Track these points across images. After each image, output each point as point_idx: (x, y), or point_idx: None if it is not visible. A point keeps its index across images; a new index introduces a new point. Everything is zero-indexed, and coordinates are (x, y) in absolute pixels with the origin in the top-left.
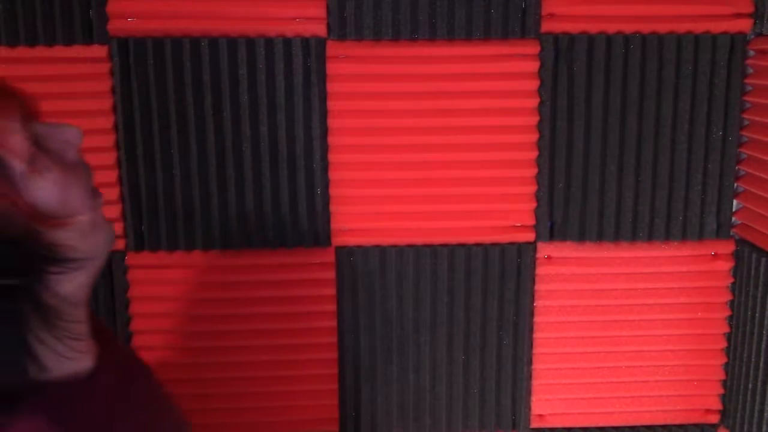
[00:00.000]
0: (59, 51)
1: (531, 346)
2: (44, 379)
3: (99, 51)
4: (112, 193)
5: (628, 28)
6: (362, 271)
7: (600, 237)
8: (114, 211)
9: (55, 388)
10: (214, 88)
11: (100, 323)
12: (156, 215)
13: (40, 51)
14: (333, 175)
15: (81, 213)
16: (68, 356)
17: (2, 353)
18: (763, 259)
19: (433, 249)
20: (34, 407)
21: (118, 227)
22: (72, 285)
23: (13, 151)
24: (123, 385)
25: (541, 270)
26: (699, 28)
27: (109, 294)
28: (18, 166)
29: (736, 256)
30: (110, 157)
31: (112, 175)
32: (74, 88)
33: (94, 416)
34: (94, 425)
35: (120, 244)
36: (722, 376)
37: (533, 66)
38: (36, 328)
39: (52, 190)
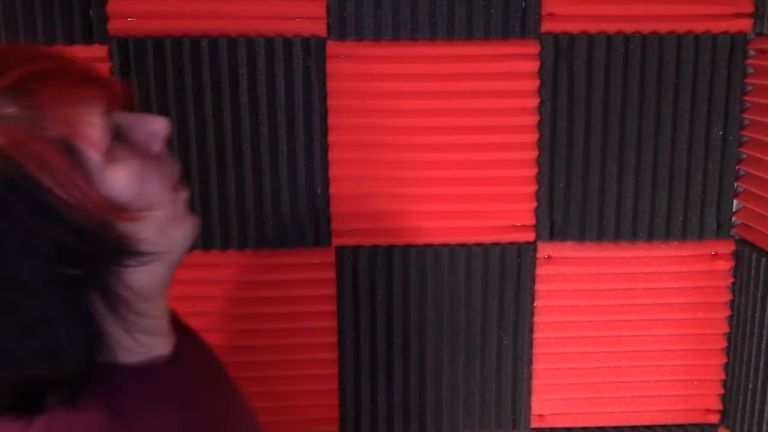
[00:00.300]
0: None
1: (531, 345)
2: (112, 369)
3: (99, 51)
4: None
5: (628, 28)
6: (362, 271)
7: (600, 237)
8: None
9: (123, 379)
10: (214, 88)
11: (180, 319)
12: None
13: None
14: (333, 174)
15: (159, 206)
16: (136, 349)
17: (66, 340)
18: (763, 259)
19: (433, 249)
20: (95, 396)
21: None
22: (145, 278)
23: (90, 141)
24: (198, 382)
25: (541, 270)
26: (699, 28)
27: None
28: (94, 156)
29: (736, 256)
30: None
31: None
32: None
33: (157, 409)
34: (157, 418)
35: None
36: (722, 376)
37: (533, 66)
38: (105, 318)
39: (128, 182)
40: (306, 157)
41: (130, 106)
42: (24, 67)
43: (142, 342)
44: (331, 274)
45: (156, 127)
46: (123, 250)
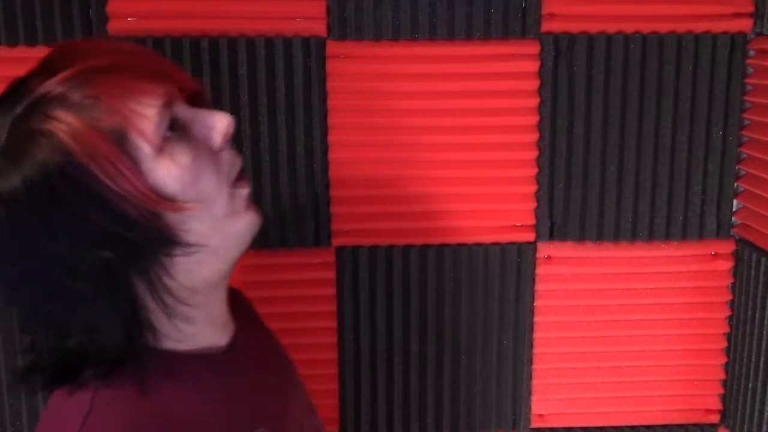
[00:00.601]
0: None
1: (531, 345)
2: (156, 353)
3: None
4: None
5: (628, 28)
6: (362, 271)
7: (600, 237)
8: None
9: (163, 363)
10: (213, 87)
11: (251, 311)
12: None
13: (40, 51)
14: (333, 175)
15: (213, 200)
16: (180, 337)
17: (105, 319)
18: (763, 259)
19: (433, 249)
20: (133, 375)
21: None
22: (198, 270)
23: (142, 132)
24: (250, 375)
25: (541, 270)
26: (699, 28)
27: None
28: (145, 147)
29: (736, 256)
30: None
31: None
32: None
33: (192, 397)
34: (190, 405)
35: None
36: (722, 376)
37: (533, 66)
38: (149, 304)
39: (177, 174)
40: (306, 157)
41: (198, 101)
42: (93, 59)
43: (188, 331)
44: (331, 274)
45: (216, 123)
46: (168, 240)
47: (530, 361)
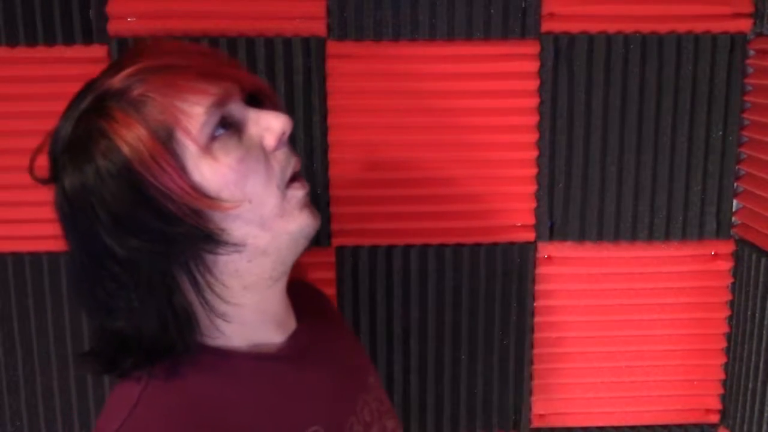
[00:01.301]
0: (59, 51)
1: (531, 346)
2: (201, 348)
3: (98, 51)
4: None
5: (628, 28)
6: (362, 271)
7: (600, 237)
8: None
9: (202, 359)
10: None
11: (326, 308)
12: None
13: (40, 51)
14: (333, 174)
15: (261, 200)
16: (214, 333)
17: (142, 307)
18: (763, 259)
19: (433, 249)
20: (178, 370)
21: None
22: (247, 269)
23: (188, 131)
24: (304, 374)
25: (541, 270)
26: (699, 28)
27: None
28: (191, 146)
29: (736, 256)
30: None
31: None
32: (74, 88)
33: (227, 395)
34: (224, 403)
35: None
36: (722, 376)
37: (533, 66)
38: (191, 299)
39: (223, 174)
40: (306, 157)
41: (262, 100)
42: (153, 58)
43: (232, 329)
44: (331, 274)
45: (270, 124)
46: (208, 238)
47: (531, 362)
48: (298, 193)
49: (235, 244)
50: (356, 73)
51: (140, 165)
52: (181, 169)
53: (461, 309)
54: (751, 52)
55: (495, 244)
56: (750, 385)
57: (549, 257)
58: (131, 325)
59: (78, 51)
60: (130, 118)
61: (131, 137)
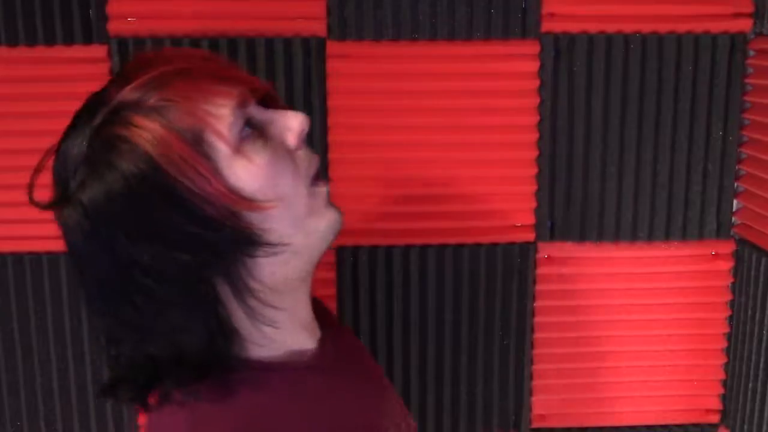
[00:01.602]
0: (59, 51)
1: (531, 346)
2: (241, 362)
3: (98, 51)
4: None
5: (628, 28)
6: (362, 271)
7: (600, 237)
8: None
9: (249, 374)
10: None
11: (332, 316)
12: None
13: (40, 51)
14: (333, 174)
15: (292, 199)
16: (265, 343)
17: (187, 323)
18: (763, 259)
19: (433, 249)
20: (221, 389)
21: None
22: (280, 271)
23: (218, 133)
24: (338, 381)
25: (541, 270)
26: (699, 28)
27: None
28: (222, 148)
29: (736, 256)
30: None
31: None
32: (73, 88)
33: (279, 407)
34: (278, 417)
35: None
36: (722, 376)
37: (533, 66)
38: (233, 309)
39: (257, 174)
40: None
41: (271, 102)
42: (166, 65)
43: (274, 336)
44: (331, 274)
45: (291, 123)
46: (250, 241)
47: (531, 362)
48: (323, 190)
49: (274, 245)
50: (356, 73)
51: (171, 168)
52: (216, 172)
53: (461, 309)
54: (751, 52)
55: (495, 244)
56: (750, 385)
57: (549, 257)
58: (171, 345)
59: (78, 51)
60: (153, 123)
61: (157, 141)
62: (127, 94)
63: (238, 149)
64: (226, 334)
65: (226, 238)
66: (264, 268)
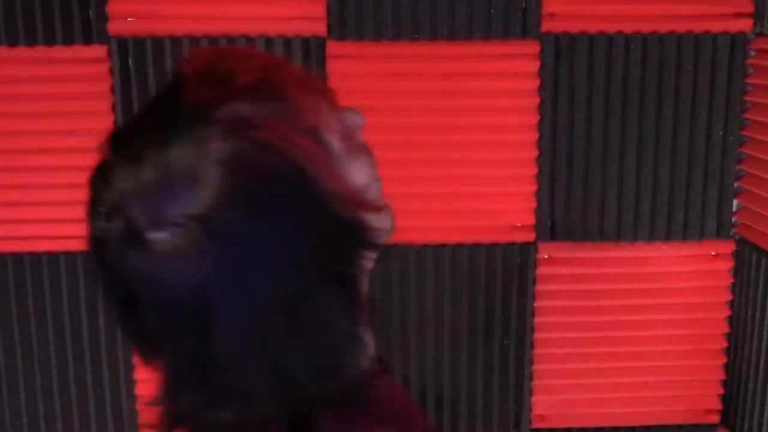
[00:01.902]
0: (59, 51)
1: (531, 346)
2: (364, 375)
3: (98, 51)
4: None
5: (628, 28)
6: None
7: (600, 237)
8: None
9: (375, 386)
10: None
11: None
12: None
13: (40, 51)
14: None
15: (380, 197)
16: (365, 346)
17: (342, 347)
18: (763, 259)
19: (432, 249)
20: (367, 402)
21: None
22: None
23: (334, 130)
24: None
25: (541, 270)
26: (699, 27)
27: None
28: (337, 145)
29: (736, 256)
30: None
31: None
32: (74, 87)
33: (397, 406)
34: (401, 416)
35: None
36: (722, 376)
37: (533, 66)
38: (357, 316)
39: (366, 172)
40: None
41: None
42: (251, 62)
43: (369, 343)
44: None
45: (357, 120)
46: (371, 243)
47: (531, 362)
48: (381, 185)
49: (380, 246)
50: (356, 73)
51: (315, 171)
52: (341, 171)
53: (461, 309)
54: (751, 52)
55: (495, 244)
56: (750, 385)
57: (549, 258)
58: (327, 383)
59: (78, 51)
60: (283, 126)
61: (294, 144)
62: (236, 96)
63: (349, 147)
64: (363, 345)
65: (361, 241)
66: (366, 271)
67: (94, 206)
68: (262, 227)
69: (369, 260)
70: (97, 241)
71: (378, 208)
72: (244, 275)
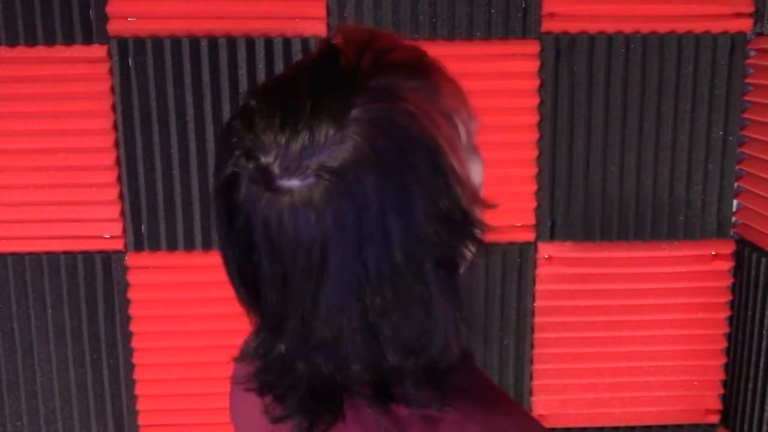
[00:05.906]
0: (59, 51)
1: (531, 346)
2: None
3: (98, 51)
4: (112, 194)
5: (628, 28)
6: None
7: (600, 237)
8: (113, 212)
9: (471, 374)
10: (213, 88)
11: None
12: (155, 215)
13: (40, 51)
14: None
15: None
16: (458, 334)
17: (441, 328)
18: (763, 259)
19: None
20: (455, 385)
21: (118, 227)
22: None
23: (465, 121)
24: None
25: (541, 270)
26: (699, 27)
27: (110, 294)
28: (464, 137)
29: (736, 256)
30: (110, 157)
31: (111, 175)
32: (74, 87)
33: (484, 399)
34: (488, 411)
35: (119, 245)
36: (722, 376)
37: (534, 65)
38: (457, 304)
39: (482, 169)
40: None
41: None
42: (404, 43)
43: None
44: None
45: (476, 125)
46: (481, 238)
47: (531, 362)
48: None
49: (483, 241)
50: None
51: (450, 152)
52: (466, 160)
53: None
54: (751, 52)
55: (495, 244)
56: (750, 385)
57: (549, 257)
58: (422, 350)
59: (78, 51)
60: (428, 104)
61: (434, 122)
62: (387, 68)
63: (471, 141)
64: (459, 331)
65: (475, 230)
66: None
67: (231, 147)
68: (391, 192)
69: (471, 253)
70: (227, 180)
71: (488, 208)
72: (365, 236)
